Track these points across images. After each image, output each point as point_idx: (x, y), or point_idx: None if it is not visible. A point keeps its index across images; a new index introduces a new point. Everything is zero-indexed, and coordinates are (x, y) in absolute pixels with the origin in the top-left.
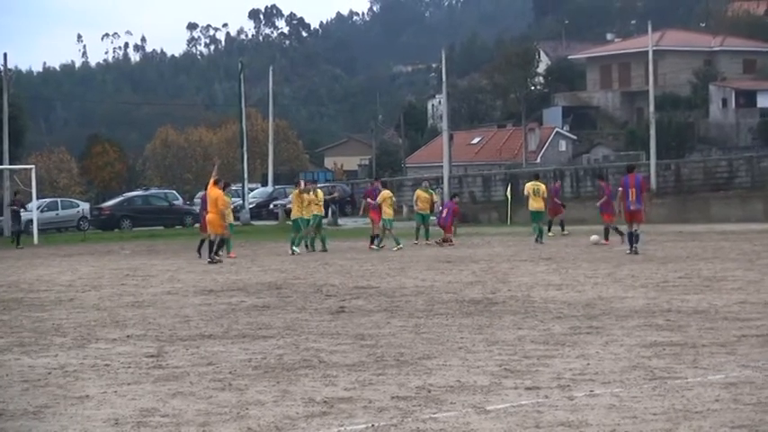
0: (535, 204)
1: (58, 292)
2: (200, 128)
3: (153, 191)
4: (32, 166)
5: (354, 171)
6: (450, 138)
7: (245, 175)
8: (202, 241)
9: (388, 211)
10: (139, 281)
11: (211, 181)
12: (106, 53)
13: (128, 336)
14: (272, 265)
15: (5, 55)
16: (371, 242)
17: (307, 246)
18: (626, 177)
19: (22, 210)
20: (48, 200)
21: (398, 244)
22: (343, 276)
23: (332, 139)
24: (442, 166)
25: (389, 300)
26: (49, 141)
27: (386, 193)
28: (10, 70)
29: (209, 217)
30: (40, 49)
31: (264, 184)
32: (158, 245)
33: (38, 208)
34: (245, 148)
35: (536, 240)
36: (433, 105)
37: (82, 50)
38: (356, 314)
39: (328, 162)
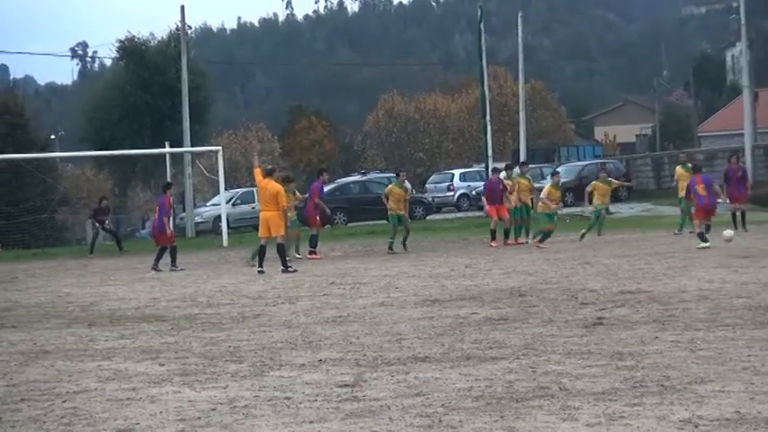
0: None
1: (243, 305)
2: (436, 94)
3: (374, 175)
4: (219, 147)
5: (631, 143)
6: (755, 97)
7: (489, 152)
8: (262, 247)
9: (393, 206)
10: (347, 290)
11: (257, 170)
12: (316, 3)
13: (320, 360)
14: (518, 266)
15: (183, 8)
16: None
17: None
18: None
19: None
20: (241, 190)
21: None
22: (606, 279)
23: (604, 104)
24: (743, 134)
25: (663, 308)
26: (246, 116)
27: (393, 188)
28: (189, 27)
29: (267, 215)
30: (236, 1)
31: (516, 163)
32: (378, 244)
33: (228, 201)
34: (488, 117)
35: None
36: (732, 56)
37: (286, 0)
38: (617, 327)
39: (599, 133)
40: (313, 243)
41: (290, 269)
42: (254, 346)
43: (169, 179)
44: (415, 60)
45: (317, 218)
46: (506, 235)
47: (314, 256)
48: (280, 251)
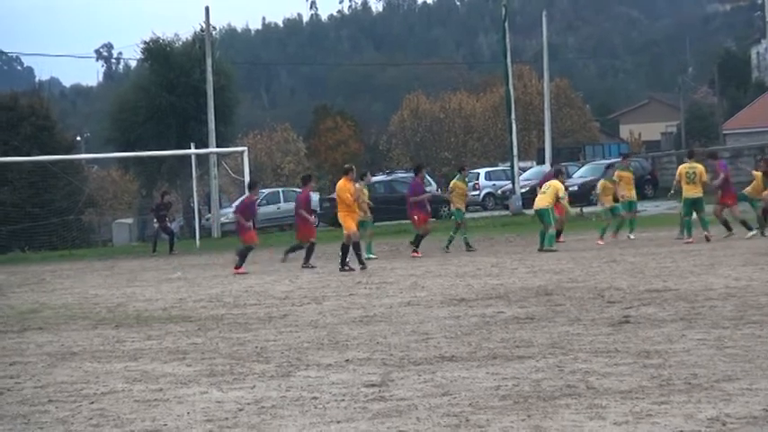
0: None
1: (270, 306)
2: (461, 93)
3: (399, 175)
4: (244, 148)
5: (656, 141)
6: None
7: (515, 151)
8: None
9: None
10: (373, 290)
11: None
12: (341, 3)
13: (347, 360)
14: (545, 265)
15: (207, 9)
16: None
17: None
18: None
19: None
20: (267, 191)
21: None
22: (633, 277)
23: (629, 102)
24: None
25: (689, 305)
26: (272, 117)
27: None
28: (213, 28)
29: (338, 215)
30: (260, 2)
31: (541, 161)
32: (404, 244)
33: None
34: (513, 116)
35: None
36: (758, 53)
37: (310, 0)
38: (643, 325)
39: (624, 131)
40: (416, 242)
41: (345, 267)
42: (280, 346)
43: (194, 180)
44: (440, 60)
45: (417, 217)
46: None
47: (416, 254)
48: (341, 248)
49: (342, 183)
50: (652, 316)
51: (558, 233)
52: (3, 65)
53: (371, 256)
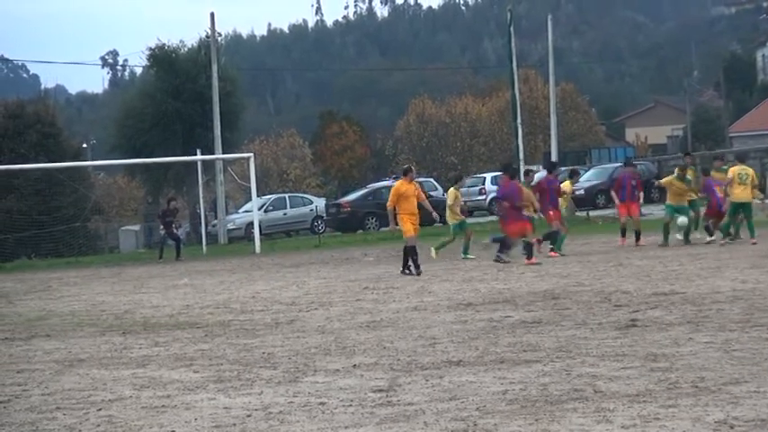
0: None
1: (277, 312)
2: (466, 97)
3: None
4: (250, 154)
5: (662, 145)
6: None
7: (521, 156)
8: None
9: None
10: (380, 294)
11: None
12: (346, 8)
13: (354, 365)
14: (551, 269)
15: (213, 15)
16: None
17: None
18: None
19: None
20: (273, 196)
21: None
22: (639, 280)
23: (634, 105)
24: None
25: (696, 309)
26: (277, 122)
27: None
28: (219, 34)
29: (398, 217)
30: (265, 8)
31: (545, 164)
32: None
33: (261, 207)
34: (518, 120)
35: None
36: (763, 56)
37: (315, 5)
38: (650, 328)
39: (630, 134)
40: (551, 239)
41: (406, 271)
42: (288, 351)
43: (201, 186)
44: (445, 64)
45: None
46: (637, 236)
47: (553, 254)
48: (404, 251)
49: (399, 183)
50: (659, 319)
51: (637, 235)
52: (9, 72)
53: (470, 256)
